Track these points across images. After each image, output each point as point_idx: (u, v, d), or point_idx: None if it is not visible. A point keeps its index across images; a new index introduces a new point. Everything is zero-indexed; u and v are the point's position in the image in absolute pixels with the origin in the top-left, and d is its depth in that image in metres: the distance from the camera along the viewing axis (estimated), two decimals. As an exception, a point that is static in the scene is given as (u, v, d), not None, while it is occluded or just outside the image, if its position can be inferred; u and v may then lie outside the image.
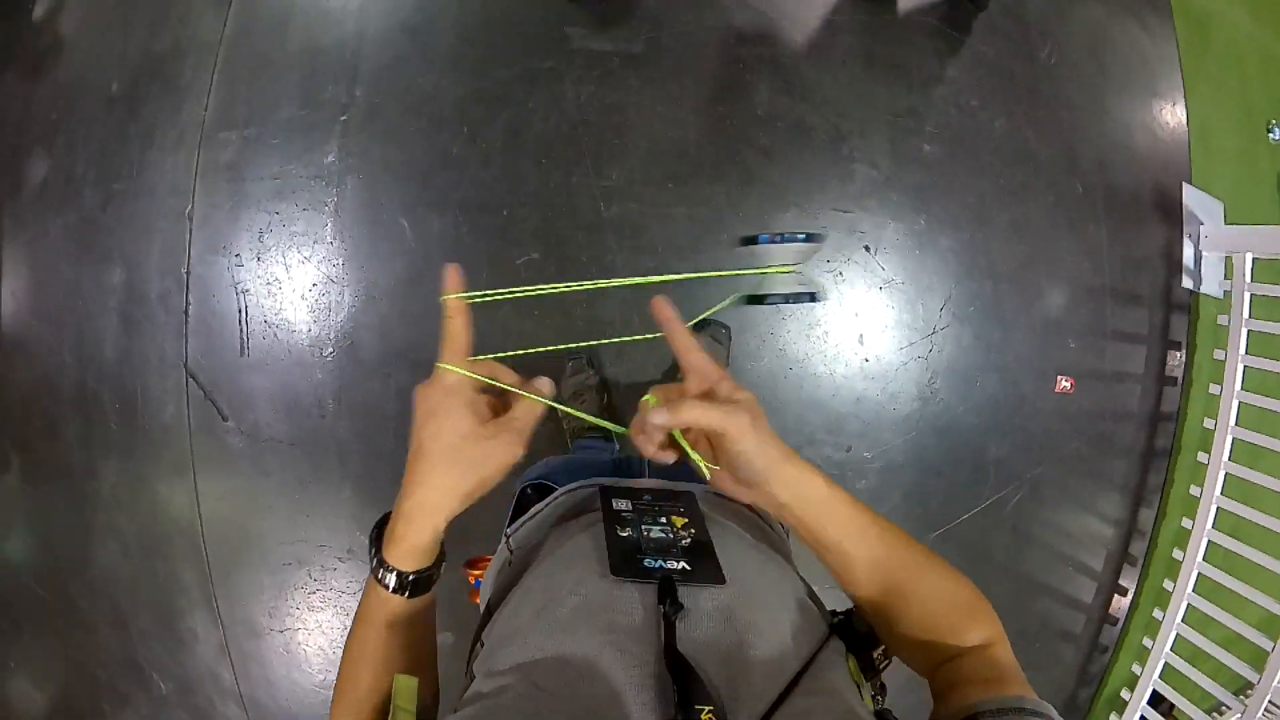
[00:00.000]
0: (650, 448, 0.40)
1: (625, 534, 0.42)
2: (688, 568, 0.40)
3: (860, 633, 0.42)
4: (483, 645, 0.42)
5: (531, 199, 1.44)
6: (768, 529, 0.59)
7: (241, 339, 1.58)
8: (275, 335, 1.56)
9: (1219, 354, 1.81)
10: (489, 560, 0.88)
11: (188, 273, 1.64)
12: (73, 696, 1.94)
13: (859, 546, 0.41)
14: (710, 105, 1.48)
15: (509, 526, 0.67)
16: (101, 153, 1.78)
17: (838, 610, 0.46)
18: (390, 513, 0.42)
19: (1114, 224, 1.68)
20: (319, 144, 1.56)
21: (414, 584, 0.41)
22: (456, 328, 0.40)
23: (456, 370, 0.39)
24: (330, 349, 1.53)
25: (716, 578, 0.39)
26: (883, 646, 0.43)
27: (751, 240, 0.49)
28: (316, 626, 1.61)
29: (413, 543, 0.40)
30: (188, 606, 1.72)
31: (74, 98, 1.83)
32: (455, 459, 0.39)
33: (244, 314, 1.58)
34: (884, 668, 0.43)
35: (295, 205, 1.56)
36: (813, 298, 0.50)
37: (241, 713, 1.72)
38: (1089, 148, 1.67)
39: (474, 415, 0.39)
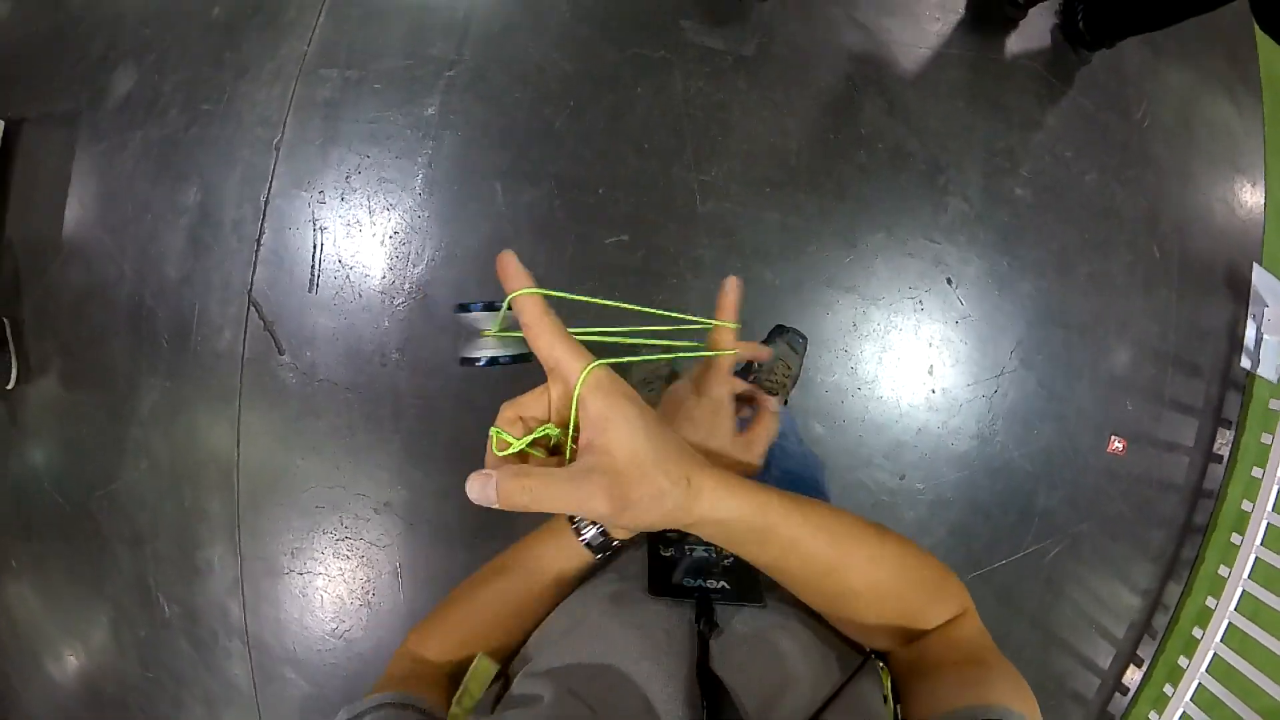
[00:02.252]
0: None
1: (668, 553, 0.43)
2: (727, 587, 0.40)
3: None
4: (521, 645, 0.42)
5: (628, 183, 1.45)
6: None
7: (312, 276, 1.58)
8: (348, 277, 1.56)
9: (1266, 438, 1.82)
10: None
11: (266, 202, 1.64)
12: (71, 607, 1.91)
13: (789, 558, 0.35)
14: (814, 116, 1.49)
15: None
16: (194, 75, 1.79)
17: None
18: None
19: (1184, 293, 1.69)
20: (421, 96, 1.56)
21: (605, 545, 0.43)
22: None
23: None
24: (402, 299, 1.53)
25: (757, 598, 0.39)
26: None
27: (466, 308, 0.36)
28: (338, 574, 1.60)
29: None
30: (209, 536, 1.70)
31: (171, 16, 1.84)
32: (732, 449, 0.42)
33: (319, 251, 1.58)
34: None
35: (388, 152, 1.56)
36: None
37: (244, 649, 1.70)
38: (1170, 212, 1.69)
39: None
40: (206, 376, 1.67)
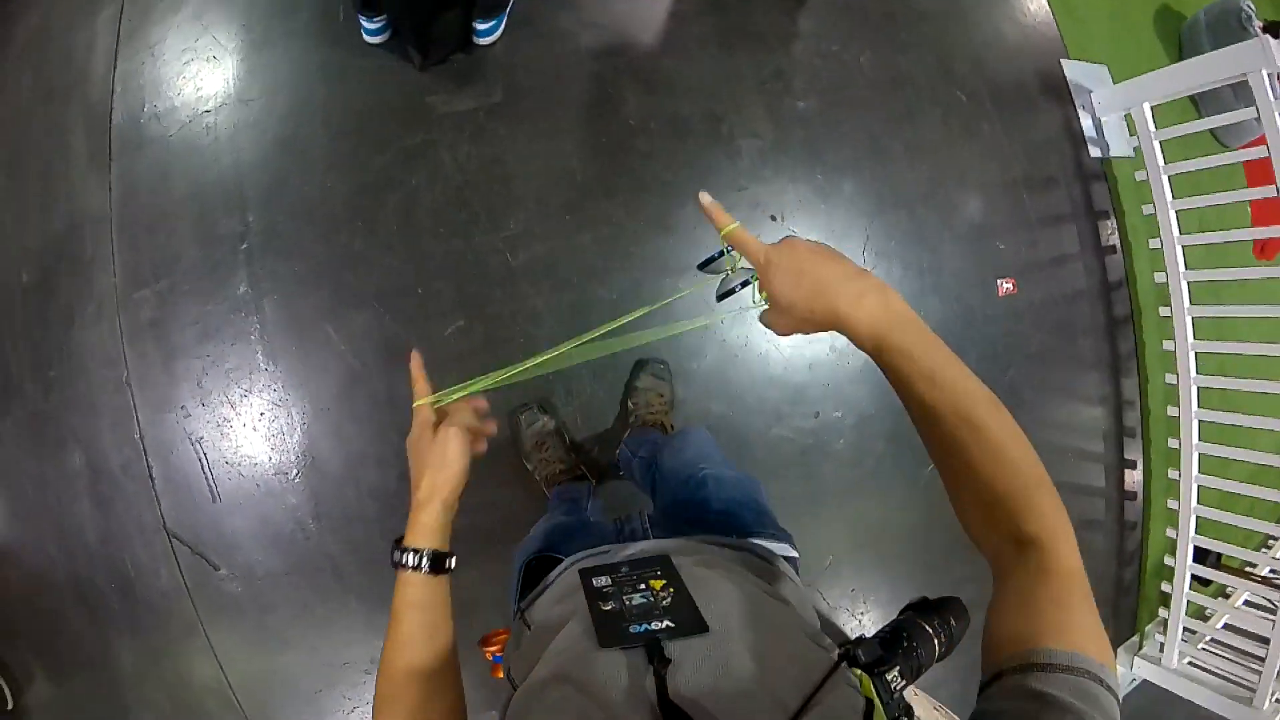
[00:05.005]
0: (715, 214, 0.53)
1: (608, 607, 0.46)
2: (671, 625, 0.42)
3: (867, 661, 0.42)
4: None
5: (441, 270, 1.45)
6: (770, 570, 0.62)
7: (210, 486, 1.59)
8: (240, 473, 1.57)
9: (1148, 209, 1.82)
10: (502, 634, 0.89)
11: (141, 437, 1.65)
12: None
13: (937, 374, 0.44)
14: (583, 127, 1.50)
15: (521, 601, 0.69)
16: (30, 342, 1.79)
17: (848, 639, 0.46)
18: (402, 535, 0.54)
19: (1007, 118, 1.70)
20: (228, 277, 1.57)
21: (432, 558, 0.51)
22: (418, 380, 0.57)
23: (424, 403, 0.56)
24: (296, 471, 1.53)
25: (699, 628, 0.42)
26: (897, 668, 0.42)
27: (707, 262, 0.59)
28: (366, 741, 1.60)
29: (424, 521, 0.52)
30: (237, 760, 1.71)
31: (-8, 298, 1.84)
32: (428, 459, 0.53)
33: (205, 461, 1.59)
34: (900, 689, 0.44)
35: (223, 342, 1.57)
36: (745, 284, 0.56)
37: None
38: (959, 54, 1.69)
39: (431, 429, 0.54)
40: (164, 618, 1.68)
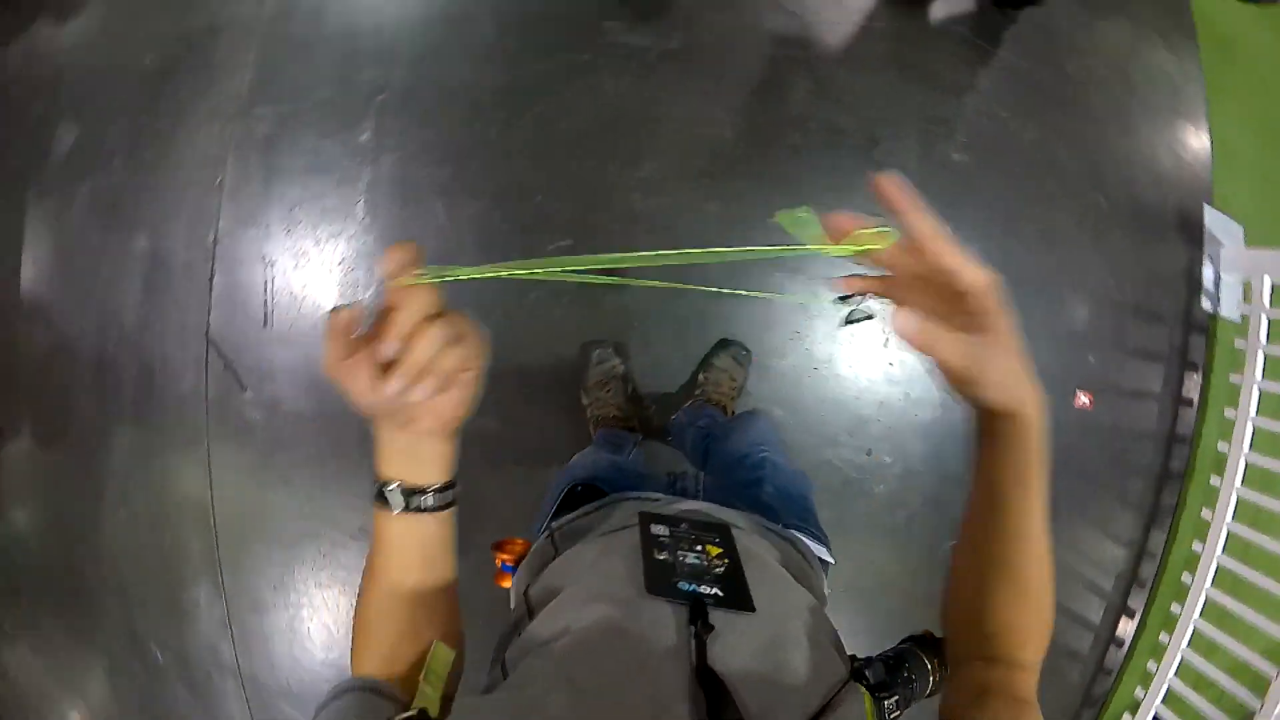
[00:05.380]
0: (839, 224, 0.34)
1: (661, 557, 0.45)
2: (719, 594, 0.42)
3: (874, 683, 0.44)
4: (519, 636, 0.43)
5: (565, 189, 1.45)
6: (808, 569, 0.61)
7: (266, 310, 1.59)
8: (299, 309, 1.56)
9: (1235, 378, 1.81)
10: (517, 543, 0.88)
11: (215, 242, 1.65)
12: (69, 665, 1.92)
13: (1025, 498, 0.39)
14: (744, 103, 1.50)
15: (554, 520, 0.68)
16: (134, 123, 1.79)
17: (857, 656, 0.47)
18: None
19: (1137, 240, 1.69)
20: (355, 122, 1.57)
21: (410, 494, 0.39)
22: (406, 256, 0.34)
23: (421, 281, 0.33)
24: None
25: (746, 605, 0.41)
26: (895, 697, 0.43)
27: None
28: (323, 604, 1.60)
29: (399, 448, 0.39)
30: (192, 578, 1.71)
31: (107, 69, 1.85)
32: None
33: (270, 285, 1.59)
34: (895, 717, 0.45)
35: (328, 180, 1.57)
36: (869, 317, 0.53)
37: (239, 688, 1.70)
38: (1115, 162, 1.69)
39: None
40: (174, 421, 1.68)
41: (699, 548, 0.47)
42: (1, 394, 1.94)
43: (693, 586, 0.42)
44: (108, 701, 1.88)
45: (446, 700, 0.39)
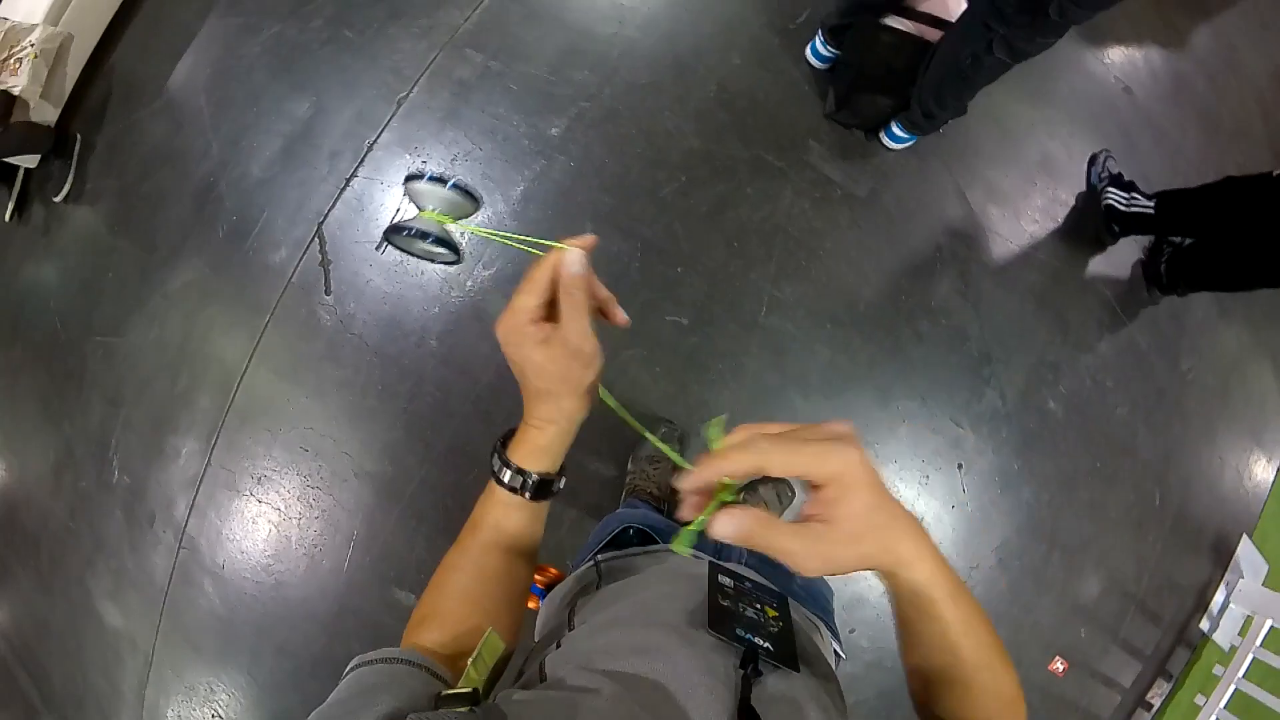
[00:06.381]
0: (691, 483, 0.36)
1: (725, 604, 0.48)
2: (771, 649, 0.45)
3: None
4: (558, 647, 0.45)
5: (707, 271, 1.49)
6: (831, 655, 0.65)
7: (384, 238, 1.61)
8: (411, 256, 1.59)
9: (1200, 699, 1.86)
10: (549, 570, 0.91)
11: (370, 148, 1.68)
12: (25, 427, 1.90)
13: (938, 617, 0.38)
14: (895, 271, 1.55)
15: (601, 553, 0.71)
16: (348, 0, 1.83)
17: None
18: (514, 428, 0.48)
19: (1171, 544, 1.75)
20: (551, 114, 1.61)
21: (536, 486, 0.47)
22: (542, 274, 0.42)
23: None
24: (459, 294, 1.56)
25: (793, 665, 0.44)
26: None
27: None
28: (295, 517, 1.60)
29: (535, 442, 0.46)
30: (186, 427, 1.71)
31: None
32: (538, 374, 0.43)
33: (399, 214, 1.61)
34: None
35: (500, 152, 1.60)
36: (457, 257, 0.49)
37: (174, 544, 1.69)
38: (1183, 465, 1.75)
39: (536, 336, 0.41)
40: (248, 282, 1.69)
41: (758, 605, 0.50)
42: (101, 161, 1.95)
43: (749, 636, 0.45)
44: (43, 482, 1.86)
45: (487, 688, 0.42)
